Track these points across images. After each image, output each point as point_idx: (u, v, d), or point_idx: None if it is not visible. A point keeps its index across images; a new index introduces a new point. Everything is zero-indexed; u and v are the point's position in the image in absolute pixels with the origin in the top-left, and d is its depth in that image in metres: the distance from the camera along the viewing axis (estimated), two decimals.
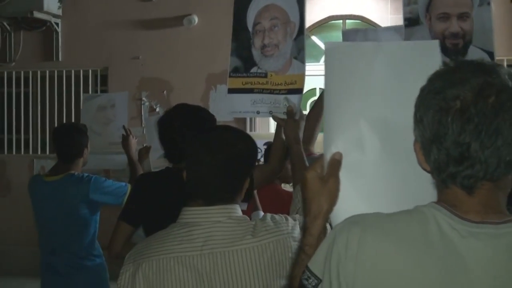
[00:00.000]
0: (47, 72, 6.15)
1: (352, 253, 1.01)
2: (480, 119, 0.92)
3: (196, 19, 5.91)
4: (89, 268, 2.85)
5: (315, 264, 1.05)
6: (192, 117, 2.26)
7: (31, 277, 4.44)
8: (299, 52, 2.43)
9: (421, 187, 1.10)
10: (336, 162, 1.16)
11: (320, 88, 6.94)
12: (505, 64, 5.38)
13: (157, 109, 5.86)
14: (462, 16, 2.28)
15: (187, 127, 2.17)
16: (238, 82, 2.44)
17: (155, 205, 2.19)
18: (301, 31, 2.44)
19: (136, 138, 3.32)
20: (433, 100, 0.96)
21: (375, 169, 1.17)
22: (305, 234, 1.14)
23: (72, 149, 2.94)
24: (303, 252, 1.12)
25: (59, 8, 5.90)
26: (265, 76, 2.44)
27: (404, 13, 2.38)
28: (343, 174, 1.15)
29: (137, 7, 6.02)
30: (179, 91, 5.74)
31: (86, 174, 2.89)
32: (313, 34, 7.02)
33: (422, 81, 1.03)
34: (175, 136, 2.20)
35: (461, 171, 0.97)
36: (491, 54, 2.25)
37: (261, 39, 2.53)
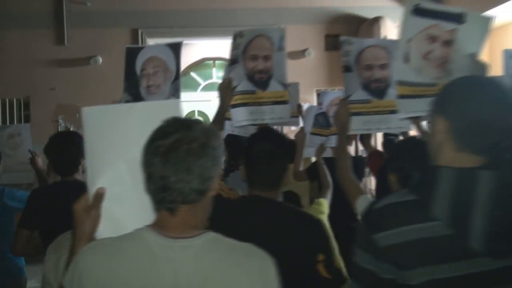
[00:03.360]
0: None
1: (86, 272, 1.08)
2: (176, 160, 1.06)
3: (100, 59, 6.47)
4: (8, 258, 2.84)
5: (67, 280, 1.12)
6: (65, 140, 2.33)
7: None
8: (175, 93, 2.66)
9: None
10: (99, 196, 1.22)
11: (198, 111, 7.72)
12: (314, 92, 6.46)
13: (72, 129, 6.09)
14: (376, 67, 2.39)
15: (66, 149, 2.25)
16: None
17: (49, 212, 2.24)
18: (177, 77, 2.66)
19: (39, 157, 3.44)
20: (148, 147, 1.09)
21: (128, 197, 1.25)
22: (72, 251, 1.19)
23: None
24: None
25: None
26: None
27: (343, 62, 2.49)
28: (107, 202, 1.22)
29: (53, 49, 6.53)
30: None
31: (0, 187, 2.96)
32: (191, 71, 8.13)
33: None
34: (59, 156, 2.31)
35: (165, 197, 1.09)
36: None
37: (146, 81, 2.71)
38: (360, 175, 3.71)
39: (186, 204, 1.10)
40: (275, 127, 6.26)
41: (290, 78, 5.96)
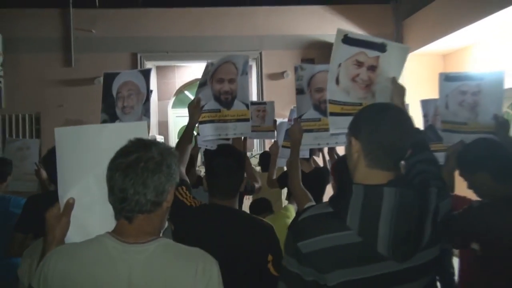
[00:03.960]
0: None
1: (50, 273, 1.11)
2: (134, 175, 1.11)
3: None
4: (11, 260, 2.75)
5: (35, 281, 1.13)
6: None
7: None
8: (146, 112, 2.68)
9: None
10: (69, 205, 1.24)
11: None
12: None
13: None
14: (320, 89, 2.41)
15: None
16: None
17: (42, 217, 2.06)
18: (147, 99, 2.68)
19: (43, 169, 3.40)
20: (111, 164, 1.15)
21: (95, 206, 1.26)
22: (43, 255, 1.21)
23: None
24: None
25: (0, 71, 6.44)
26: None
27: (296, 85, 2.50)
28: (77, 210, 1.25)
29: (61, 70, 6.72)
30: None
31: (7, 195, 3.06)
32: (185, 90, 8.49)
33: None
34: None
35: (123, 207, 1.13)
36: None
37: (122, 102, 2.72)
38: (325, 183, 3.88)
39: (142, 214, 1.15)
40: (256, 140, 6.54)
41: (271, 97, 6.38)
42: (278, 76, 7.03)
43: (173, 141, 8.41)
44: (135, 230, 1.15)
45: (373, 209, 1.13)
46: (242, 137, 2.89)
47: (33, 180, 3.74)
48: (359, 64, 1.94)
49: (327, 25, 6.98)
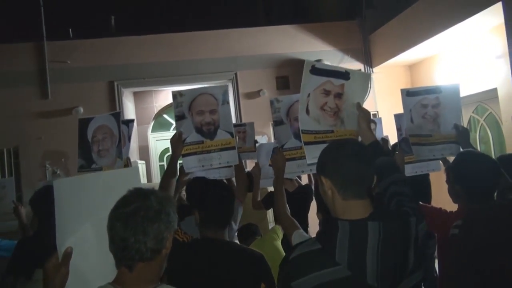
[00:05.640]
0: None
1: None
2: (134, 225, 1.15)
3: (81, 109, 6.52)
4: None
5: None
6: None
7: None
8: (120, 154, 2.75)
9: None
10: (67, 255, 1.23)
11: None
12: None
13: (58, 172, 6.30)
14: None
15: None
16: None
17: (34, 260, 2.19)
18: (119, 141, 2.76)
19: (22, 206, 3.45)
20: (112, 214, 1.18)
21: (95, 253, 1.26)
22: None
23: None
24: None
25: None
26: (101, 169, 2.74)
27: (273, 118, 2.56)
28: (75, 259, 1.24)
29: (38, 102, 6.59)
30: (73, 159, 5.36)
31: None
32: (164, 113, 8.48)
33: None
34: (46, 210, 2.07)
35: (124, 256, 1.15)
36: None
37: (97, 146, 2.81)
38: (309, 201, 3.94)
39: (143, 262, 1.16)
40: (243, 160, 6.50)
41: (249, 116, 6.36)
42: (254, 94, 7.10)
43: (155, 164, 8.41)
44: (136, 278, 1.16)
45: (359, 244, 1.17)
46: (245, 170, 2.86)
47: (14, 219, 3.64)
48: (326, 92, 1.98)
49: (298, 43, 7.14)
